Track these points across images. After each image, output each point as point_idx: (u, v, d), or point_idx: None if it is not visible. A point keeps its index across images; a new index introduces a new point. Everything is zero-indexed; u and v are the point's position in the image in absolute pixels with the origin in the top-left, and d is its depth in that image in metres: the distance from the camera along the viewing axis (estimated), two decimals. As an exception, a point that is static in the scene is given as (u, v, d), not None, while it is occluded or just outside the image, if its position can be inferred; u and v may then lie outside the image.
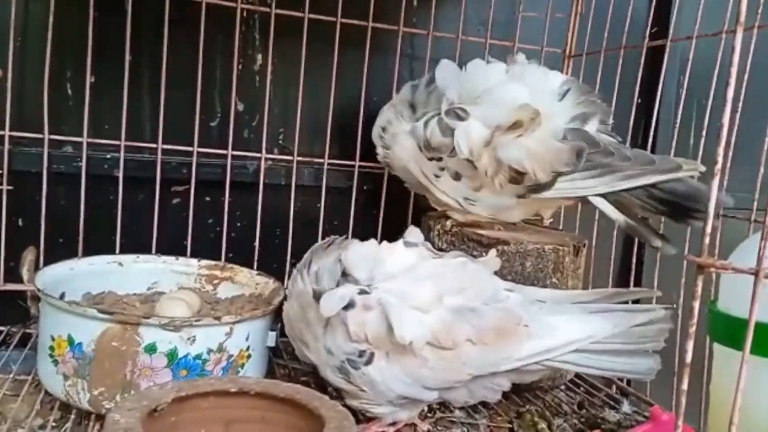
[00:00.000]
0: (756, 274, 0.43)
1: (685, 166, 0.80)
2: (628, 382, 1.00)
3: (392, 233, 1.08)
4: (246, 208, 1.02)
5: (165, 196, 0.98)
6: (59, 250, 0.91)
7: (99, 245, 0.91)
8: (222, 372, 0.72)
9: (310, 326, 0.71)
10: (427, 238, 0.92)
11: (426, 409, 0.81)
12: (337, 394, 0.73)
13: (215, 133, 1.02)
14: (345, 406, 0.59)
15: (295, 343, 0.75)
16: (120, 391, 0.68)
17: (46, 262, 0.87)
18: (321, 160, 1.04)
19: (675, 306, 0.70)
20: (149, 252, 0.93)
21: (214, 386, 0.58)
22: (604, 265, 1.02)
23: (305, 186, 1.05)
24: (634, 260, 1.03)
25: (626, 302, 0.75)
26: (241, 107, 1.03)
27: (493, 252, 0.78)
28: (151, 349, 0.68)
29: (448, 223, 0.91)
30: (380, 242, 1.04)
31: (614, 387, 0.96)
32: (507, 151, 0.80)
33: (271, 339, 0.79)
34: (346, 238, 0.78)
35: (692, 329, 0.44)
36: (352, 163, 1.05)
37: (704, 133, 0.88)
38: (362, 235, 1.09)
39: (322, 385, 0.86)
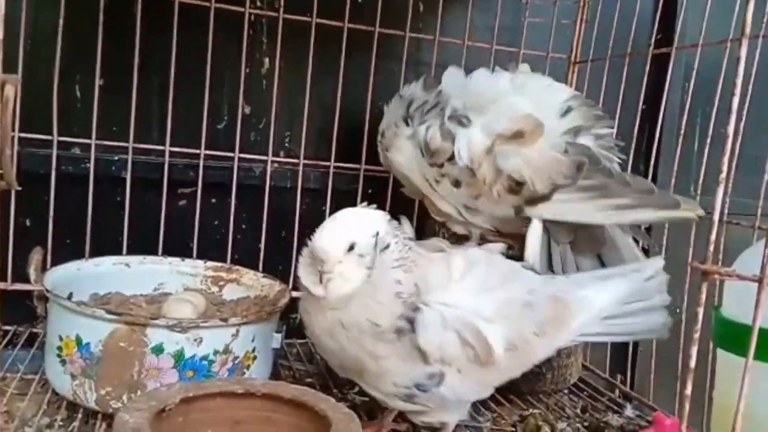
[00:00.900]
0: (760, 281, 0.43)
1: (684, 205, 0.78)
2: (631, 386, 1.00)
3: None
4: (252, 210, 1.02)
5: (172, 197, 0.98)
6: (66, 251, 0.91)
7: (106, 246, 0.92)
8: (228, 373, 0.72)
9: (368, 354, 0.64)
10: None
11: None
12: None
13: (222, 135, 1.03)
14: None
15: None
16: (127, 391, 0.69)
17: (53, 263, 0.87)
18: (327, 164, 1.05)
19: (677, 311, 0.70)
20: (156, 253, 0.94)
21: (221, 387, 0.58)
22: (607, 270, 1.02)
23: (311, 189, 1.06)
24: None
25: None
26: (248, 110, 1.03)
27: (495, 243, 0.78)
28: (158, 349, 0.69)
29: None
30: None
31: (617, 391, 0.96)
32: (507, 160, 0.79)
33: (276, 341, 0.80)
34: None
35: (696, 335, 0.45)
36: (357, 166, 1.05)
37: (708, 140, 0.88)
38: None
39: (327, 386, 0.87)
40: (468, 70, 0.89)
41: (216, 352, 0.71)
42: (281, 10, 0.99)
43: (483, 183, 0.81)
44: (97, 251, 0.91)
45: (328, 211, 1.04)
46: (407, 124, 0.87)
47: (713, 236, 0.44)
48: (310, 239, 0.63)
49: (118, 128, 0.96)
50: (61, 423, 0.72)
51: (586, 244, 0.81)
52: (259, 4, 1.01)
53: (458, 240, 0.86)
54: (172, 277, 0.91)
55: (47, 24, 0.91)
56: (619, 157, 0.86)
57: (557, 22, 1.10)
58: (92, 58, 0.92)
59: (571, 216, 0.80)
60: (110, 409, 0.69)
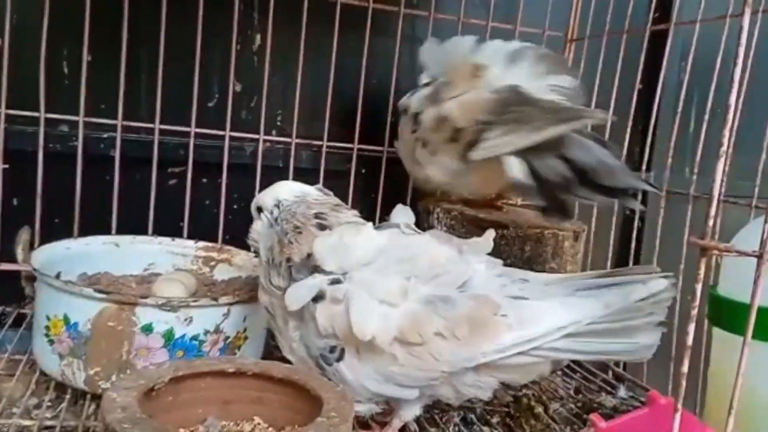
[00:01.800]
0: (759, 257, 0.42)
1: (589, 114, 0.80)
2: (624, 366, 1.00)
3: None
4: (243, 189, 1.00)
5: (162, 176, 0.97)
6: (55, 230, 0.90)
7: (95, 226, 0.91)
8: (219, 353, 0.72)
9: (275, 319, 0.68)
10: (427, 222, 0.92)
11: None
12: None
13: (213, 114, 1.01)
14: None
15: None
16: (116, 371, 0.68)
17: (42, 242, 0.86)
18: (319, 143, 1.03)
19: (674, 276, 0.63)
20: (146, 233, 0.93)
21: (212, 367, 0.57)
22: (602, 250, 1.02)
23: (303, 168, 1.04)
24: (632, 245, 1.02)
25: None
26: (239, 88, 1.02)
27: (489, 233, 0.70)
28: (147, 329, 0.68)
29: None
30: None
31: (610, 372, 0.96)
32: (444, 105, 0.84)
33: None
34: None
35: (694, 311, 0.44)
36: (350, 145, 1.04)
37: (706, 118, 0.87)
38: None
39: (320, 366, 0.86)
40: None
41: (206, 332, 0.70)
42: (273, -16, 0.97)
43: (429, 131, 0.85)
44: (86, 231, 0.89)
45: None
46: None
47: (713, 211, 0.43)
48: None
49: (107, 105, 0.94)
50: (49, 404, 0.71)
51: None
52: (250, -22, 0.99)
53: (481, 230, 0.85)
54: (162, 257, 0.90)
55: (34, -2, 0.89)
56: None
57: (553, -1, 1.09)
58: (80, 34, 0.90)
59: (499, 149, 0.79)
60: (99, 389, 0.68)
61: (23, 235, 0.85)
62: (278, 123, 1.05)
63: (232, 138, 0.98)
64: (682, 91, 0.94)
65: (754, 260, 0.43)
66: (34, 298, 0.76)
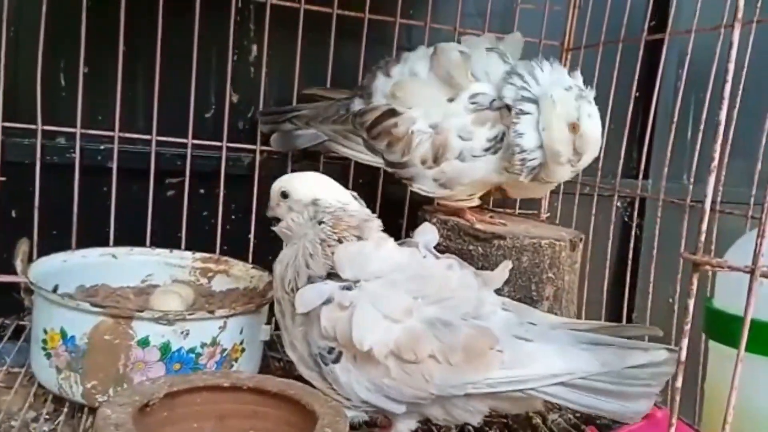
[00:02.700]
0: (752, 272, 0.42)
1: None
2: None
3: (388, 226, 1.08)
4: (241, 200, 1.01)
5: (159, 188, 0.97)
6: (53, 242, 0.90)
7: (93, 237, 0.91)
8: (216, 366, 0.72)
9: (284, 314, 0.69)
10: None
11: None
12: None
13: (210, 124, 1.01)
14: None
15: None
16: (113, 384, 0.68)
17: (40, 254, 0.86)
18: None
19: (677, 348, 0.63)
20: (143, 244, 0.93)
21: (207, 381, 0.58)
22: (600, 259, 1.02)
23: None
24: (630, 255, 1.02)
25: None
26: (235, 99, 1.02)
27: (505, 264, 0.70)
28: (144, 342, 0.68)
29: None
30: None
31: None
32: None
33: (266, 333, 0.79)
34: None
35: (687, 327, 0.44)
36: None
37: (702, 126, 0.87)
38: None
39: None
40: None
41: (203, 345, 0.70)
42: (269, -5, 0.97)
43: None
44: (84, 242, 0.89)
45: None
46: None
47: (704, 226, 0.43)
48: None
49: (104, 117, 0.95)
50: (47, 416, 0.71)
51: None
52: (246, -11, 0.99)
53: (477, 241, 0.86)
54: (160, 268, 0.90)
55: (31, 11, 0.90)
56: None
57: (550, 9, 1.09)
58: (76, 46, 0.90)
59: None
60: (96, 402, 0.68)
61: (22, 246, 0.85)
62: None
63: (229, 149, 0.99)
64: (678, 99, 0.93)
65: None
66: (32, 309, 0.76)
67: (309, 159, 1.02)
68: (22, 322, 0.90)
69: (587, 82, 1.03)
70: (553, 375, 0.61)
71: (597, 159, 1.01)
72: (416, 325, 0.62)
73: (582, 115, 0.79)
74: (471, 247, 0.86)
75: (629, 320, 1.12)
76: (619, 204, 1.13)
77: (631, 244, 1.03)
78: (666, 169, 0.92)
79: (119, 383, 0.68)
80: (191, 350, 0.70)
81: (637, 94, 1.03)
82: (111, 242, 0.93)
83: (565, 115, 0.79)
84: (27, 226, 0.89)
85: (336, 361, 0.63)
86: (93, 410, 0.69)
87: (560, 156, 0.81)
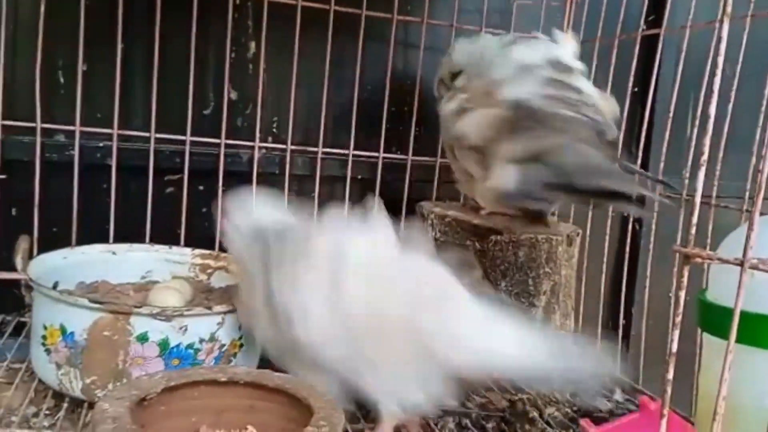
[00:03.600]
0: (741, 264, 0.43)
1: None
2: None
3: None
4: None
5: (158, 185, 0.97)
6: (53, 239, 0.91)
7: (92, 234, 0.91)
8: (214, 361, 0.72)
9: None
10: (422, 227, 0.93)
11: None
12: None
13: (208, 121, 1.01)
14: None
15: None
16: (112, 380, 0.69)
17: (40, 251, 0.87)
18: (315, 149, 1.04)
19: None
20: (143, 241, 0.93)
21: (204, 376, 0.58)
22: (597, 254, 1.02)
23: (299, 175, 1.05)
24: (627, 249, 1.02)
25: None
26: (234, 96, 1.02)
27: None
28: (142, 338, 0.68)
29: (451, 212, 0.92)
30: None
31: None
32: (462, 120, 0.84)
33: (264, 328, 0.79)
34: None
35: (678, 318, 0.44)
36: (346, 151, 1.05)
37: (698, 123, 0.87)
38: (356, 224, 1.10)
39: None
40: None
41: (202, 341, 0.71)
42: (266, -8, 0.97)
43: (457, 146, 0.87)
44: (84, 239, 0.90)
45: (317, 196, 1.03)
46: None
47: (695, 219, 0.43)
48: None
49: (103, 115, 0.95)
50: (47, 412, 0.71)
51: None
52: (243, -14, 1.00)
53: (474, 236, 0.87)
54: (159, 264, 0.90)
55: (29, 8, 0.90)
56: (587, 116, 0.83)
57: (547, 4, 1.09)
58: (75, 43, 0.90)
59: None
60: (96, 398, 0.69)
61: (22, 243, 0.86)
62: (274, 130, 1.05)
63: (227, 146, 0.99)
64: (675, 94, 0.94)
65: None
66: (32, 306, 0.77)
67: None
68: (22, 319, 0.90)
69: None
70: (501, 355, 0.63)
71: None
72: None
73: None
74: (468, 242, 0.86)
75: (628, 314, 1.12)
76: (617, 199, 1.13)
77: (629, 239, 1.03)
78: (663, 164, 0.93)
79: (118, 378, 0.69)
80: (190, 346, 0.70)
81: (635, 89, 1.03)
82: (111, 239, 0.93)
83: None
84: (27, 224, 0.90)
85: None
86: (92, 405, 0.69)
87: None
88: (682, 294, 0.44)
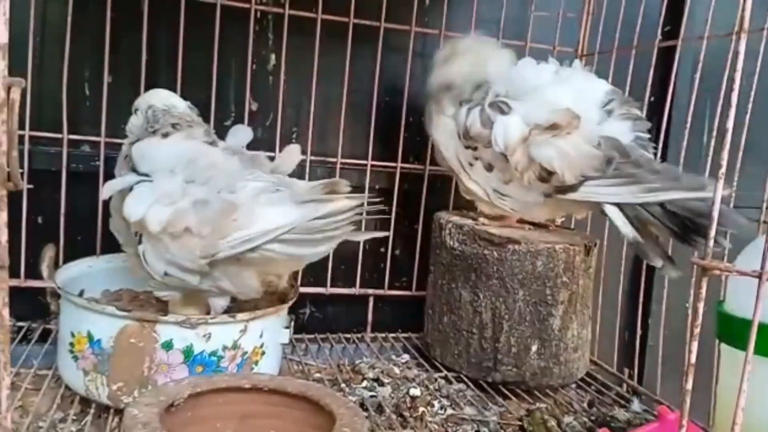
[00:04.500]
0: (759, 276, 0.43)
1: (710, 186, 0.77)
2: (639, 380, 1.01)
3: (405, 231, 1.10)
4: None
5: (181, 194, 0.99)
6: (78, 248, 0.93)
7: (116, 243, 0.92)
8: (237, 368, 0.73)
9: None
10: (439, 236, 0.94)
11: (437, 406, 0.82)
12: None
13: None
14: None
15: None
16: (138, 386, 0.70)
17: (66, 259, 0.89)
18: (334, 159, 1.05)
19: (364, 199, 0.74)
20: (165, 250, 0.95)
21: (229, 383, 0.59)
22: (615, 264, 1.02)
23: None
24: (645, 262, 1.02)
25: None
26: (254, 107, 1.04)
27: (293, 148, 0.84)
28: (167, 345, 0.70)
29: (469, 221, 0.93)
30: (392, 240, 1.07)
31: (625, 385, 0.96)
32: (540, 149, 0.83)
33: (285, 336, 0.81)
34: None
35: (697, 330, 0.45)
36: (364, 162, 1.06)
37: (716, 134, 0.87)
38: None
39: (335, 381, 0.88)
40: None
41: (225, 348, 0.72)
42: (287, 5, 0.99)
43: (515, 169, 0.85)
44: (109, 247, 0.92)
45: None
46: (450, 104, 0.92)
47: (713, 232, 0.44)
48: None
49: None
50: (74, 417, 0.73)
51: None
52: (264, 0, 1.01)
53: (492, 246, 0.88)
54: (181, 273, 0.92)
55: (56, 22, 0.92)
56: (654, 155, 0.87)
57: (563, 15, 1.10)
58: (100, 56, 0.93)
59: (600, 198, 0.82)
60: (122, 404, 0.70)
61: (48, 252, 0.88)
62: (293, 140, 1.07)
63: (248, 156, 1.00)
64: (692, 104, 0.94)
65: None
66: (58, 313, 0.79)
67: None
68: (48, 326, 0.92)
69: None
70: (270, 230, 0.71)
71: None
72: (184, 205, 0.71)
73: None
74: (486, 252, 0.87)
75: (644, 324, 1.13)
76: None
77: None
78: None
79: (144, 385, 0.70)
80: (213, 353, 0.72)
81: (651, 99, 1.04)
82: (134, 248, 0.95)
83: None
84: (53, 232, 0.92)
85: (140, 242, 0.74)
86: (118, 411, 0.72)
87: None
88: (701, 306, 0.44)
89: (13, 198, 0.40)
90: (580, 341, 0.91)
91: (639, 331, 1.01)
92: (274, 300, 0.85)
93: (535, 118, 0.83)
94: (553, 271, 0.86)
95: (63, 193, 0.93)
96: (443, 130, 0.93)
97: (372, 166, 1.06)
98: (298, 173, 1.04)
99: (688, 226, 0.77)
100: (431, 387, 0.88)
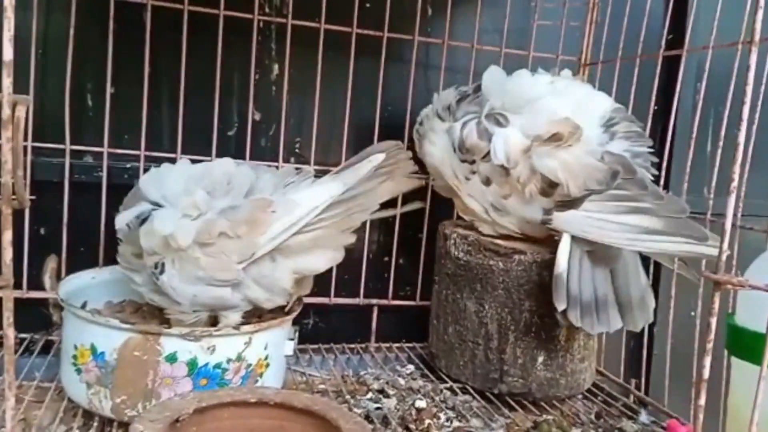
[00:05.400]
0: (773, 291, 0.43)
1: (711, 240, 0.77)
2: (646, 391, 1.00)
3: (408, 241, 1.09)
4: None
5: (184, 205, 0.99)
6: (81, 259, 0.92)
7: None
8: (241, 381, 0.73)
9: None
10: (444, 246, 0.93)
11: (443, 418, 0.81)
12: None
13: (233, 142, 1.03)
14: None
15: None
16: (142, 399, 0.70)
17: (68, 271, 0.88)
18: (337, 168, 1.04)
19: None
20: (168, 260, 0.94)
21: (234, 397, 0.59)
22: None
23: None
24: (651, 269, 1.02)
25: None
26: (258, 116, 1.04)
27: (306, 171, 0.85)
28: (171, 358, 0.69)
29: (474, 231, 0.91)
30: (395, 249, 1.06)
31: (632, 396, 0.96)
32: (543, 160, 0.82)
33: (289, 347, 0.80)
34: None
35: (710, 345, 0.45)
36: (368, 171, 1.05)
37: (721, 142, 0.87)
38: (378, 243, 1.10)
39: (339, 392, 0.87)
40: (477, 74, 0.90)
41: (229, 360, 0.72)
42: (289, 16, 0.99)
43: (516, 182, 0.83)
44: (112, 259, 0.91)
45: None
46: (442, 119, 0.90)
47: (725, 245, 0.44)
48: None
49: (130, 136, 0.97)
50: (77, 431, 0.72)
51: (602, 256, 0.81)
52: (267, 10, 1.01)
53: (497, 256, 0.87)
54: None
55: (58, 33, 0.92)
56: (652, 174, 0.86)
57: (566, 24, 1.10)
58: (103, 67, 0.93)
59: (595, 236, 0.80)
60: (125, 417, 0.70)
61: (50, 263, 0.87)
62: (297, 150, 1.07)
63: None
64: (697, 113, 0.94)
65: (768, 293, 0.43)
66: (61, 325, 0.78)
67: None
68: (51, 337, 0.91)
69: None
70: (313, 209, 0.75)
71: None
72: (210, 216, 0.73)
73: None
74: (492, 262, 0.86)
75: (650, 333, 1.12)
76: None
77: (652, 259, 1.02)
78: (686, 185, 0.92)
79: (147, 398, 0.70)
80: (217, 366, 0.71)
81: (655, 108, 1.03)
82: (137, 259, 0.94)
83: None
84: (55, 244, 0.92)
85: (162, 272, 0.73)
86: (122, 424, 0.71)
87: None
88: (713, 321, 0.44)
89: (16, 209, 0.41)
90: (587, 351, 0.90)
91: (645, 341, 1.00)
92: (277, 312, 0.85)
93: (535, 129, 0.82)
94: (558, 281, 0.85)
95: (66, 204, 0.92)
96: (439, 147, 0.90)
97: (375, 175, 1.05)
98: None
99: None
100: (437, 398, 0.88)
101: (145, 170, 0.95)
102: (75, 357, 0.72)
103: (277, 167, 1.01)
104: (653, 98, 1.01)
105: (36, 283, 0.89)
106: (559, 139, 0.81)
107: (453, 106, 0.90)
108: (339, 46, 1.01)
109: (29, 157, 0.90)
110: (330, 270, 1.00)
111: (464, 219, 0.94)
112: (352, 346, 1.06)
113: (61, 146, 0.92)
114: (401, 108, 1.06)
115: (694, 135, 0.93)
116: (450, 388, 0.91)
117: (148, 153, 0.96)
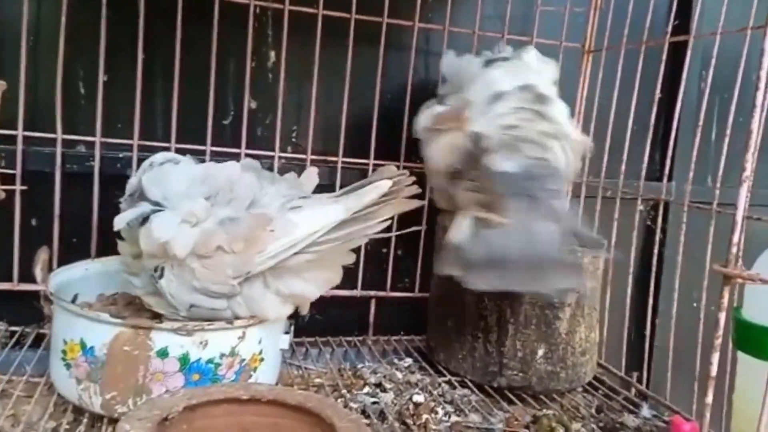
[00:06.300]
0: (785, 286, 0.41)
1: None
2: (647, 384, 0.98)
3: (407, 234, 1.07)
4: (259, 207, 1.00)
5: (178, 195, 0.97)
6: (73, 250, 0.91)
7: (112, 245, 0.90)
8: (235, 376, 0.71)
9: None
10: (442, 238, 0.92)
11: (441, 413, 0.80)
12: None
13: (228, 131, 1.01)
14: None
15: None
16: (132, 395, 0.68)
17: (60, 262, 0.86)
18: (335, 159, 1.03)
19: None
20: (163, 252, 0.93)
21: (226, 394, 0.57)
22: (623, 265, 1.00)
23: (319, 184, 1.03)
24: (654, 261, 1.00)
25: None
26: (254, 105, 1.02)
27: (313, 170, 0.85)
28: (163, 353, 0.68)
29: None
30: (394, 241, 1.04)
31: (633, 390, 0.94)
32: (429, 145, 0.86)
33: (284, 342, 0.79)
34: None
35: (718, 341, 0.43)
36: (366, 161, 1.03)
37: (728, 132, 0.85)
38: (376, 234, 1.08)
39: (336, 387, 0.86)
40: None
41: (222, 355, 0.70)
42: (287, 1, 0.96)
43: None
44: (104, 250, 0.90)
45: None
46: None
47: (736, 238, 0.42)
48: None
49: (123, 125, 0.95)
50: (67, 427, 0.71)
51: None
52: (264, -4, 0.99)
53: None
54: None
55: (50, 19, 0.90)
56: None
57: (570, 10, 1.07)
58: (95, 54, 0.90)
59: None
60: (116, 413, 0.68)
61: (42, 254, 0.85)
62: (293, 139, 1.05)
63: (247, 155, 0.98)
64: (704, 100, 0.92)
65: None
66: (52, 318, 0.77)
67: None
68: (42, 331, 0.90)
69: (609, 83, 1.02)
70: (313, 232, 0.72)
71: (620, 162, 1.00)
72: (210, 225, 0.71)
73: None
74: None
75: (653, 326, 1.10)
76: (642, 208, 1.11)
77: (655, 249, 1.00)
78: (691, 173, 0.90)
79: (138, 394, 0.68)
80: (210, 361, 0.70)
81: (660, 95, 1.01)
82: (131, 250, 0.92)
83: None
84: (47, 235, 0.90)
85: (161, 276, 0.71)
86: (112, 421, 0.69)
87: None
88: (722, 316, 0.42)
89: (7, 199, 0.39)
90: (588, 344, 0.89)
91: (647, 333, 0.99)
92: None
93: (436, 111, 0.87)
94: (560, 273, 0.84)
95: (57, 195, 0.91)
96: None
97: (374, 165, 1.04)
98: (298, 173, 1.02)
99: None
100: (435, 392, 0.86)
101: (139, 160, 0.94)
102: (64, 352, 0.70)
103: (273, 157, 1.00)
104: (658, 86, 0.98)
105: (27, 276, 0.87)
106: (444, 123, 0.86)
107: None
108: (337, 33, 0.99)
109: (20, 147, 0.89)
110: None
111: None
112: (350, 338, 1.04)
113: (52, 135, 0.90)
114: (401, 96, 1.03)
115: (700, 123, 0.91)
116: (448, 382, 0.89)
117: (141, 142, 0.94)
